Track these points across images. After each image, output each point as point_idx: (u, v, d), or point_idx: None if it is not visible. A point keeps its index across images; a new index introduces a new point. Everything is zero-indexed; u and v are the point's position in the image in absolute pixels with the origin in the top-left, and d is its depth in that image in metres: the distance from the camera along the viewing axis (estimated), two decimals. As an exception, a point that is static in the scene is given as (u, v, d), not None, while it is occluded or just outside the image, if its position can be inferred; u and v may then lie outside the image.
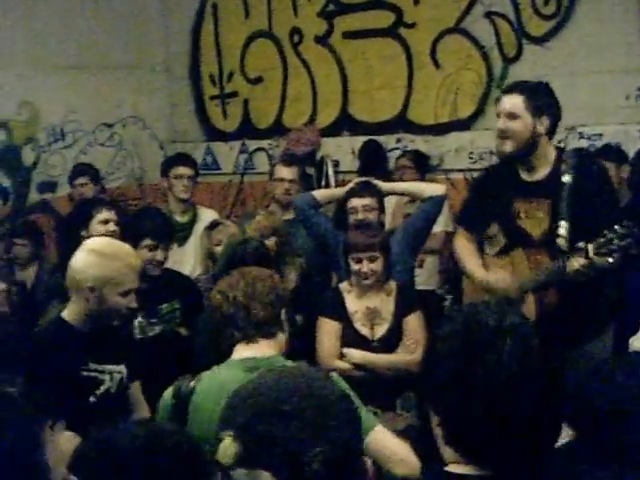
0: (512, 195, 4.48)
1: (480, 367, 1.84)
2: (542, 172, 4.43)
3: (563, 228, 4.22)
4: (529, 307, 4.37)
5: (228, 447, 1.79)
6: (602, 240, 4.02)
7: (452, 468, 1.95)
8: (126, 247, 3.93)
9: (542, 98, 4.37)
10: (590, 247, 4.05)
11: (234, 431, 1.80)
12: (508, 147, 4.37)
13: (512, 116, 4.32)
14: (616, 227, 3.99)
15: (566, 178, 4.29)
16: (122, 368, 3.92)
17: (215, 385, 3.16)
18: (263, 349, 3.22)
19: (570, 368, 2.51)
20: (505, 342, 1.86)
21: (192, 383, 3.21)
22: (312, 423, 1.77)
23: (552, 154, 4.44)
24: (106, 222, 5.46)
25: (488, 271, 4.60)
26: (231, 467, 1.78)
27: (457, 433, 1.91)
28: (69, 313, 3.82)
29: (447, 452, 1.97)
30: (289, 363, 3.16)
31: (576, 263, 4.11)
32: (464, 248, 4.80)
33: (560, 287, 4.29)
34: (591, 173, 4.39)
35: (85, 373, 3.78)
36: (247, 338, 3.23)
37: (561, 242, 4.23)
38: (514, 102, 4.33)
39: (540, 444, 1.90)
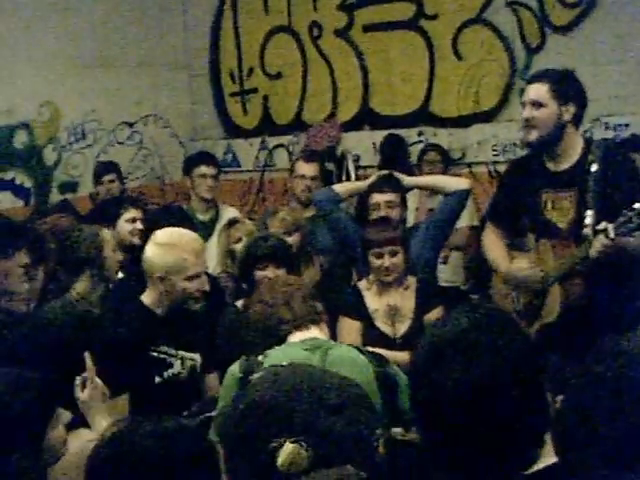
0: (539, 186, 4.45)
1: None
2: (568, 162, 4.38)
3: (589, 217, 4.17)
4: (554, 298, 4.33)
5: (296, 453, 1.71)
6: (622, 219, 3.94)
7: None
8: (187, 235, 4.11)
9: (567, 85, 4.33)
10: (610, 227, 3.96)
11: (295, 435, 1.73)
12: (534, 136, 4.33)
13: (537, 104, 4.28)
14: (636, 205, 3.90)
15: (593, 168, 4.23)
16: (196, 356, 4.05)
17: (285, 359, 3.11)
18: (315, 333, 3.35)
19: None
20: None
21: (260, 358, 3.23)
22: (365, 411, 1.80)
23: (579, 143, 4.39)
24: (133, 220, 5.51)
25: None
26: (305, 472, 1.71)
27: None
28: (147, 297, 4.01)
29: None
30: (345, 347, 3.44)
31: (598, 244, 4.03)
32: (492, 243, 4.78)
33: (586, 277, 4.23)
34: (618, 163, 4.33)
35: (155, 354, 3.94)
36: (297, 327, 3.35)
37: (587, 232, 4.16)
38: (539, 90, 4.30)
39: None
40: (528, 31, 6.85)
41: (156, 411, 2.20)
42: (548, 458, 1.86)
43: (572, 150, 4.36)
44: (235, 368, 3.30)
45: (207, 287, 4.04)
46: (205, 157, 6.84)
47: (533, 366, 1.88)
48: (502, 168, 6.89)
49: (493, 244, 4.76)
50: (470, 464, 1.85)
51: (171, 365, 3.97)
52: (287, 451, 1.71)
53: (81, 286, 4.66)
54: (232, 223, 5.49)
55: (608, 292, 4.19)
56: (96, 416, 3.21)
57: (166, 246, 3.93)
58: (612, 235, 3.96)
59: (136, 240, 5.39)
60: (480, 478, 1.87)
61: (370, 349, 4.44)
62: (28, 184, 7.61)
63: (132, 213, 5.59)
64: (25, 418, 2.55)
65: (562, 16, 6.67)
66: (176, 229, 4.22)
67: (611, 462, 1.98)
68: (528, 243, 4.63)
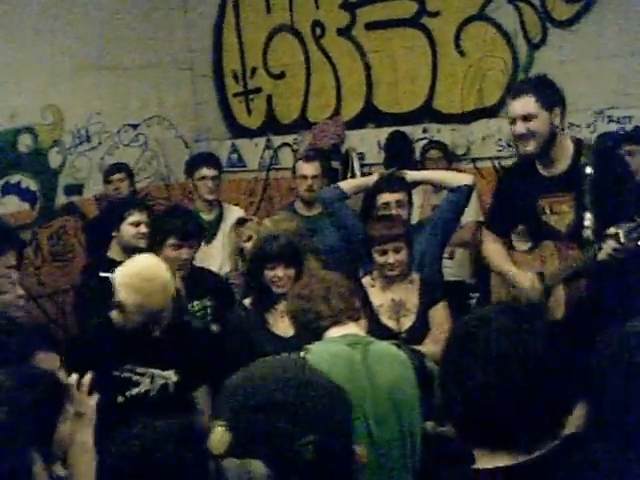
0: (535, 192, 4.50)
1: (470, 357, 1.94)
2: (562, 166, 4.45)
3: (588, 220, 4.23)
4: (558, 298, 4.38)
5: (220, 436, 1.82)
6: (633, 225, 4.00)
7: (480, 464, 1.98)
8: (151, 279, 3.96)
9: (550, 91, 4.41)
10: (621, 232, 4.02)
11: (226, 421, 1.83)
12: (531, 147, 4.40)
13: (528, 118, 4.34)
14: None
15: (587, 170, 4.29)
16: (170, 373, 4.01)
17: (327, 355, 3.27)
18: (354, 329, 3.42)
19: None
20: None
21: (302, 353, 3.27)
22: (302, 413, 1.80)
23: (570, 146, 4.46)
24: (137, 224, 5.49)
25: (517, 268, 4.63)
26: (222, 456, 1.81)
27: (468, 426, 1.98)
28: (117, 316, 3.98)
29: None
30: (385, 343, 3.49)
31: (608, 249, 4.08)
32: (492, 250, 4.85)
33: (590, 278, 4.29)
34: (610, 164, 4.40)
35: (116, 373, 3.90)
36: (335, 322, 3.40)
37: (587, 233, 4.23)
38: (526, 103, 4.36)
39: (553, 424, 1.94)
40: (530, 26, 6.85)
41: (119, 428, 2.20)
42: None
43: (564, 153, 4.44)
44: None
45: (162, 323, 4.00)
46: (205, 159, 6.88)
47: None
48: (506, 163, 6.97)
49: (492, 250, 4.84)
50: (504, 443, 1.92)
51: (137, 384, 3.95)
52: (215, 432, 1.82)
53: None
54: (242, 222, 5.52)
55: (614, 292, 4.23)
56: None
57: (131, 289, 3.89)
58: (623, 240, 4.01)
59: (141, 243, 5.42)
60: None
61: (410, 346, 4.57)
62: (33, 187, 7.63)
63: (136, 217, 5.57)
64: (35, 412, 2.59)
65: (564, 11, 6.66)
66: (145, 265, 4.07)
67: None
68: (529, 245, 4.68)
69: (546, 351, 1.93)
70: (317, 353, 3.24)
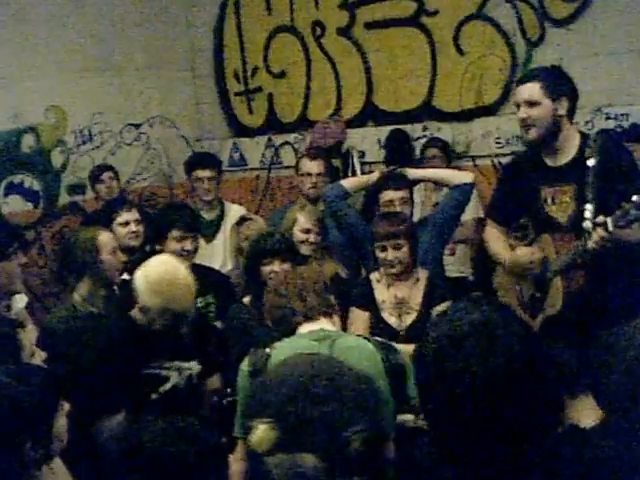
0: (538, 182, 4.50)
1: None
2: (567, 157, 4.43)
3: (589, 211, 4.20)
4: (556, 291, 4.39)
5: (265, 434, 1.81)
6: (619, 212, 3.99)
7: None
8: (175, 277, 3.99)
9: (558, 81, 4.39)
10: (609, 220, 4.02)
11: (270, 417, 1.83)
12: (533, 134, 4.39)
13: (531, 103, 4.34)
14: (633, 198, 3.95)
15: (591, 162, 4.27)
16: (193, 364, 4.08)
17: (290, 350, 3.25)
18: (325, 325, 3.44)
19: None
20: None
21: (267, 350, 3.31)
22: (350, 404, 1.83)
23: (576, 137, 4.44)
24: (127, 223, 5.51)
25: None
26: (269, 453, 1.79)
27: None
28: (138, 312, 4.00)
29: None
30: (353, 337, 3.51)
31: (597, 237, 4.08)
32: (493, 237, 4.85)
33: (587, 269, 4.27)
34: (615, 156, 4.37)
35: (146, 371, 3.94)
36: (308, 318, 3.44)
37: (587, 225, 4.19)
38: (531, 89, 4.35)
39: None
40: (528, 25, 6.87)
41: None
42: None
43: (569, 144, 4.42)
44: (244, 363, 3.37)
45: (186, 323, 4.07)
46: (200, 160, 6.89)
47: (542, 357, 1.91)
48: (506, 160, 6.96)
49: (494, 238, 4.83)
50: (482, 453, 1.85)
51: (167, 379, 3.99)
52: (258, 431, 1.81)
53: (83, 289, 4.68)
54: (243, 221, 5.52)
55: (610, 284, 4.24)
56: None
57: (155, 293, 3.91)
58: (611, 228, 4.01)
59: (132, 242, 5.44)
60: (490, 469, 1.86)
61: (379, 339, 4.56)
62: (37, 187, 7.66)
63: (124, 216, 5.62)
64: (31, 408, 2.62)
65: (561, 9, 6.68)
66: (166, 268, 4.09)
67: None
68: (529, 237, 4.70)
69: (530, 364, 1.87)
70: (281, 350, 3.26)
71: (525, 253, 4.56)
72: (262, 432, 1.81)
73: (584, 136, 4.47)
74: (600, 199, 4.20)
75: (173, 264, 4.09)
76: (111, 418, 3.80)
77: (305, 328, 3.42)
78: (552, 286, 4.42)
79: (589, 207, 4.21)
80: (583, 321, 4.00)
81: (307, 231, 5.15)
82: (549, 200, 4.46)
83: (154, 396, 3.92)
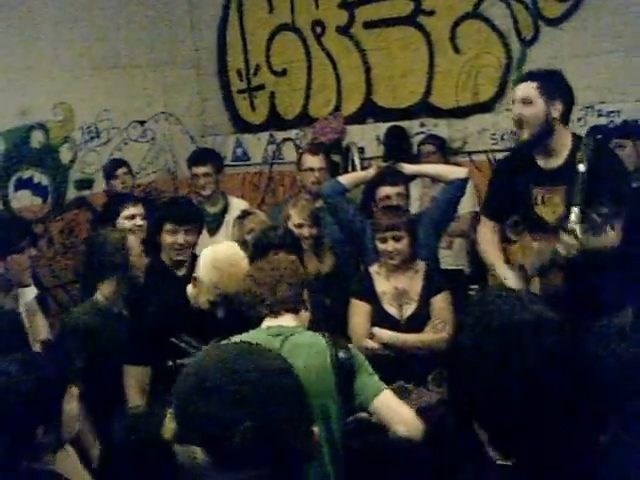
0: (529, 182, 4.53)
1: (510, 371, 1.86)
2: (559, 159, 4.47)
3: (574, 214, 4.23)
4: (534, 289, 4.44)
5: (168, 424, 1.84)
6: (587, 221, 4.08)
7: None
8: (237, 264, 4.05)
9: (555, 84, 4.43)
10: (577, 228, 4.11)
11: (173, 408, 1.84)
12: (526, 134, 4.43)
13: (526, 102, 4.39)
14: (598, 207, 4.03)
15: (581, 167, 4.29)
16: None
17: None
18: (287, 321, 3.50)
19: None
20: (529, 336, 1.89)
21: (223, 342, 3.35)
22: (238, 400, 1.77)
23: (569, 140, 4.47)
24: (132, 217, 5.57)
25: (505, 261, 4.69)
26: (173, 442, 1.83)
27: (498, 438, 1.93)
28: (192, 288, 4.09)
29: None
30: (309, 334, 3.49)
31: (567, 243, 4.17)
32: (485, 239, 4.89)
33: (565, 271, 4.33)
34: (604, 161, 4.38)
35: (176, 341, 4.02)
36: (273, 313, 3.51)
37: (572, 227, 4.22)
38: (527, 88, 4.40)
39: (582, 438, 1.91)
40: (522, 24, 6.89)
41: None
42: None
43: (562, 147, 4.45)
44: None
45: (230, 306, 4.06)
46: (199, 156, 6.97)
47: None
48: (501, 156, 7.02)
49: (486, 239, 4.87)
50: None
51: (188, 354, 3.99)
52: (166, 420, 1.85)
53: (106, 288, 4.74)
54: (245, 215, 5.55)
55: (584, 286, 4.25)
56: None
57: (214, 268, 3.99)
58: (579, 235, 4.09)
59: (137, 236, 5.50)
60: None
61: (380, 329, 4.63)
62: (45, 182, 7.70)
63: (130, 210, 5.64)
64: (37, 395, 2.68)
65: (554, 9, 6.70)
66: (233, 251, 4.19)
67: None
68: (517, 236, 4.75)
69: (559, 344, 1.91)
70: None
71: (508, 278, 4.58)
72: (167, 421, 1.84)
73: (577, 139, 4.49)
74: (587, 204, 4.22)
75: (237, 250, 4.18)
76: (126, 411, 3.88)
77: (267, 322, 3.50)
78: (531, 284, 4.48)
79: (575, 210, 4.22)
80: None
81: (300, 226, 5.18)
82: (539, 200, 4.50)
83: (169, 363, 3.98)
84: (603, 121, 6.40)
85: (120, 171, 7.20)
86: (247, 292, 3.60)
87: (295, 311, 3.55)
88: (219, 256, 4.04)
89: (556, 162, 4.47)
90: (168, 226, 5.08)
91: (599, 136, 5.63)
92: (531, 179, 4.53)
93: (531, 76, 4.49)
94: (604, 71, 6.41)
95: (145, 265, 5.00)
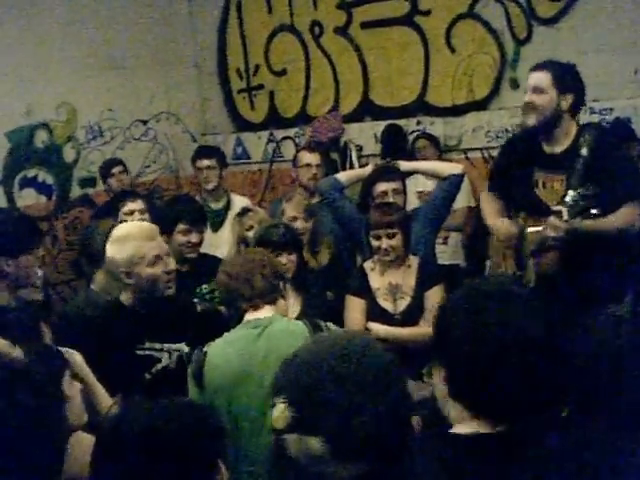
0: (533, 165, 4.54)
1: (491, 321, 1.89)
2: (562, 145, 4.47)
3: (569, 197, 4.23)
4: (530, 270, 4.45)
5: (281, 413, 1.77)
6: (570, 202, 4.11)
7: (458, 429, 1.95)
8: (137, 225, 4.14)
9: (568, 76, 4.42)
10: (564, 210, 4.13)
11: (287, 397, 1.78)
12: (532, 120, 4.44)
13: (538, 90, 4.39)
14: (579, 190, 4.09)
15: (583, 151, 4.30)
16: (182, 346, 3.98)
17: (223, 344, 3.50)
18: (266, 312, 3.56)
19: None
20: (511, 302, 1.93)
21: (205, 348, 3.48)
22: (361, 388, 1.72)
23: (574, 129, 4.48)
24: (131, 213, 5.56)
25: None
26: (284, 432, 1.77)
27: (466, 386, 1.92)
28: (124, 297, 3.98)
29: (452, 411, 1.96)
30: (285, 320, 3.57)
31: (552, 225, 4.20)
32: (487, 204, 4.92)
33: (558, 251, 4.33)
34: (606, 148, 4.40)
35: (140, 352, 3.89)
36: (253, 306, 3.56)
37: (557, 209, 4.25)
38: (541, 77, 4.40)
39: (552, 401, 1.93)
40: (516, 24, 6.91)
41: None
42: None
43: (566, 136, 4.46)
44: (189, 366, 3.53)
45: (173, 266, 3.99)
46: (203, 151, 6.98)
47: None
48: (495, 153, 7.02)
49: (487, 205, 4.91)
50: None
51: (159, 360, 3.93)
52: (276, 410, 1.79)
53: (99, 278, 4.73)
54: (245, 212, 5.56)
55: (576, 267, 4.27)
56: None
57: (121, 241, 3.87)
58: (565, 217, 4.11)
59: None
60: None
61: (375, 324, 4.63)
62: (50, 181, 7.73)
63: (129, 206, 5.63)
64: (51, 386, 2.68)
65: (548, 9, 6.72)
66: (128, 223, 4.27)
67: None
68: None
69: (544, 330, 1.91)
70: (215, 347, 3.47)
71: (506, 224, 4.62)
72: (278, 411, 1.76)
73: (581, 128, 4.50)
74: (587, 186, 4.23)
75: (131, 223, 4.25)
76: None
77: (248, 316, 3.55)
78: (527, 265, 4.47)
79: (571, 193, 4.24)
80: (551, 299, 4.01)
81: (293, 219, 5.20)
82: (540, 184, 4.50)
83: (148, 376, 3.88)
84: (595, 119, 6.39)
85: (115, 170, 7.23)
86: (224, 288, 3.65)
87: (273, 302, 3.61)
88: (129, 229, 3.99)
89: (560, 148, 4.48)
90: (181, 226, 5.08)
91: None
92: (534, 162, 4.54)
93: (546, 66, 4.46)
94: (597, 69, 6.37)
95: None
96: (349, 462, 1.71)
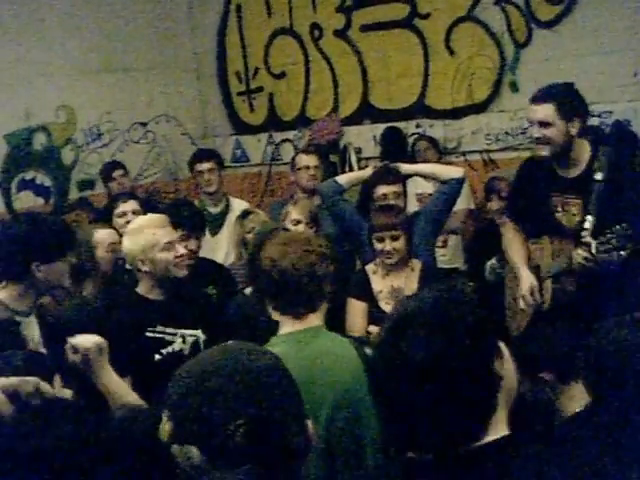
0: (548, 189, 4.47)
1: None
2: (577, 169, 4.40)
3: (589, 222, 4.20)
4: (547, 291, 4.41)
5: (164, 425, 1.84)
6: (603, 239, 4.04)
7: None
8: (148, 216, 4.37)
9: (571, 102, 4.33)
10: (593, 244, 4.07)
11: (168, 410, 1.85)
12: (546, 152, 4.36)
13: (545, 125, 4.28)
14: (616, 227, 4.00)
15: (598, 175, 4.25)
16: (198, 332, 4.13)
17: None
18: (311, 322, 3.15)
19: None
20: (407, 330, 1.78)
21: None
22: (231, 399, 1.78)
23: (586, 151, 4.39)
24: (124, 214, 5.54)
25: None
26: (168, 443, 1.83)
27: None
28: (140, 287, 4.15)
29: None
30: (332, 335, 3.20)
31: (580, 257, 4.14)
32: (508, 238, 4.76)
33: (577, 277, 4.28)
34: (622, 174, 4.34)
35: (151, 334, 4.00)
36: (294, 313, 3.14)
37: (585, 235, 4.20)
38: (545, 111, 4.28)
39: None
40: (516, 27, 6.91)
41: (161, 386, 2.11)
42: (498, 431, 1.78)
43: (580, 158, 4.38)
44: None
45: (183, 250, 4.20)
46: (201, 154, 6.94)
47: (483, 345, 1.78)
48: (495, 156, 7.08)
49: (508, 237, 4.75)
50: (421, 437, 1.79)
51: (171, 343, 4.03)
52: (163, 423, 1.85)
53: (89, 286, 4.77)
54: (246, 214, 5.53)
55: (593, 294, 4.23)
56: (101, 370, 3.26)
57: (134, 231, 4.13)
58: (594, 250, 4.06)
59: None
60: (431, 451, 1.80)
61: (376, 328, 4.58)
62: (48, 183, 7.68)
63: (121, 207, 5.62)
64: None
65: (547, 12, 6.72)
66: (140, 217, 4.50)
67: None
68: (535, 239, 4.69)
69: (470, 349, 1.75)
70: None
71: (525, 281, 4.45)
72: (163, 423, 1.85)
73: (594, 149, 4.39)
74: (602, 212, 4.19)
75: (142, 216, 4.46)
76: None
77: (285, 327, 3.18)
78: (545, 286, 4.43)
79: (590, 219, 4.20)
80: (566, 322, 3.95)
81: (297, 222, 5.16)
82: (559, 208, 4.44)
83: (157, 357, 3.97)
84: (595, 122, 6.36)
85: (116, 173, 7.20)
86: (267, 276, 3.16)
87: (316, 308, 3.17)
88: (140, 222, 4.26)
89: (574, 172, 4.41)
90: (180, 232, 5.03)
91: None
92: (550, 187, 4.47)
93: (548, 96, 4.32)
94: (596, 72, 6.39)
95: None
96: (228, 470, 1.76)
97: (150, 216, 4.38)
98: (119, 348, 3.59)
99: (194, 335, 4.10)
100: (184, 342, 4.07)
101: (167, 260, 4.06)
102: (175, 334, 4.04)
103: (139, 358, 3.87)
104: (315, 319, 3.17)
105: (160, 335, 4.02)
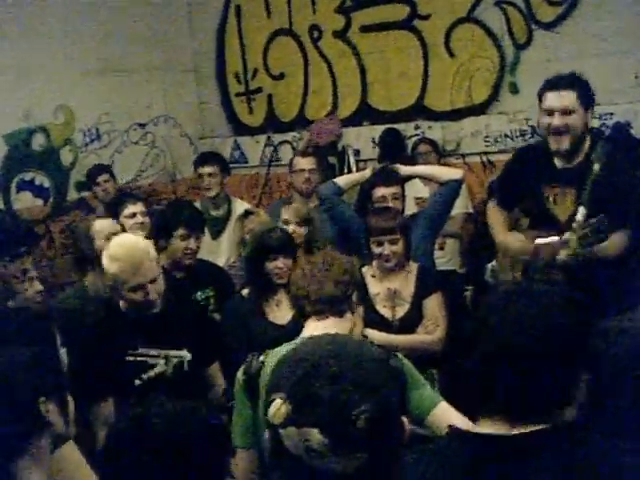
0: (543, 180, 4.39)
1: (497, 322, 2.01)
2: (574, 160, 4.31)
3: (580, 214, 4.12)
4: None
5: (279, 407, 1.80)
6: (581, 233, 3.99)
7: (476, 429, 2.05)
8: (132, 246, 3.89)
9: (587, 89, 4.23)
10: (573, 240, 4.02)
11: (285, 392, 1.81)
12: (566, 144, 4.22)
13: (568, 112, 4.15)
14: (591, 220, 3.96)
15: (595, 168, 4.16)
16: (183, 353, 3.92)
17: (277, 358, 3.11)
18: (332, 326, 3.09)
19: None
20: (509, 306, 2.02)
21: (261, 358, 3.14)
22: (357, 384, 1.78)
23: (587, 143, 4.31)
24: (133, 215, 5.50)
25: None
26: (282, 426, 1.80)
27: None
28: (121, 303, 3.92)
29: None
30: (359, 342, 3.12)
31: (564, 253, 4.09)
32: (494, 219, 4.74)
33: (565, 270, 4.20)
34: (619, 166, 4.27)
35: (130, 358, 3.82)
36: (317, 313, 3.16)
37: (576, 227, 4.10)
38: (569, 97, 4.16)
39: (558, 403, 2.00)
40: (516, 28, 6.91)
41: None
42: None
43: (580, 150, 4.30)
44: (240, 372, 3.21)
45: (154, 296, 3.82)
46: (205, 157, 6.88)
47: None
48: (494, 158, 7.01)
49: (494, 219, 4.73)
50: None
51: (152, 366, 3.85)
52: (273, 405, 1.81)
53: (90, 276, 4.72)
54: (246, 214, 5.52)
55: (586, 287, 4.19)
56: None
57: (111, 258, 3.81)
58: (575, 246, 4.01)
59: (140, 232, 5.41)
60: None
61: (372, 331, 4.51)
62: (46, 184, 7.64)
63: (130, 209, 5.59)
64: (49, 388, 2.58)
65: (547, 13, 6.72)
66: (126, 238, 4.06)
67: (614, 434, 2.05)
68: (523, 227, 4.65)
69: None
70: (273, 356, 3.06)
71: (517, 239, 4.50)
72: (276, 405, 1.80)
73: (593, 141, 4.32)
74: (594, 204, 4.11)
75: (128, 239, 4.04)
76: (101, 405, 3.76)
77: (309, 329, 3.15)
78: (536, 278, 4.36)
79: (581, 210, 4.12)
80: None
81: (286, 222, 5.10)
82: (551, 198, 4.37)
83: (137, 382, 3.80)
84: (596, 123, 6.32)
85: (101, 178, 7.16)
86: (294, 284, 3.29)
87: (340, 313, 3.16)
88: (118, 249, 3.84)
89: (572, 163, 4.32)
90: (181, 231, 4.98)
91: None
92: (544, 176, 4.38)
93: (570, 84, 4.20)
94: (597, 74, 6.29)
95: None
96: (346, 456, 1.77)
97: (134, 247, 3.88)
98: (99, 370, 3.61)
99: (179, 356, 3.90)
100: (167, 363, 3.88)
101: (135, 301, 3.81)
102: (158, 356, 3.86)
103: (119, 383, 3.73)
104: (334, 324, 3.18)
105: (141, 358, 3.84)
